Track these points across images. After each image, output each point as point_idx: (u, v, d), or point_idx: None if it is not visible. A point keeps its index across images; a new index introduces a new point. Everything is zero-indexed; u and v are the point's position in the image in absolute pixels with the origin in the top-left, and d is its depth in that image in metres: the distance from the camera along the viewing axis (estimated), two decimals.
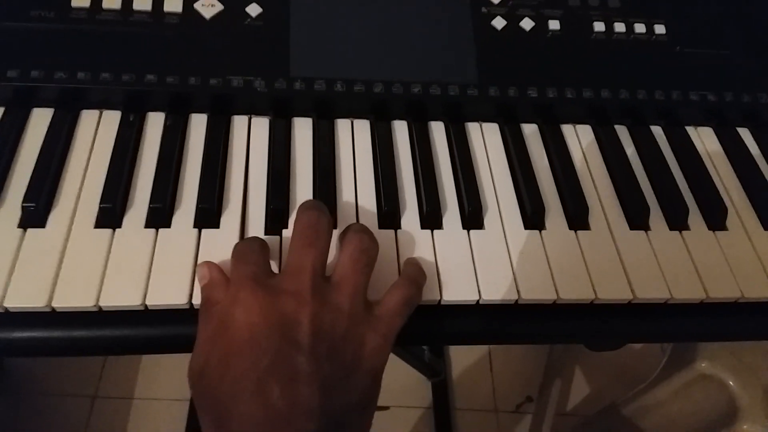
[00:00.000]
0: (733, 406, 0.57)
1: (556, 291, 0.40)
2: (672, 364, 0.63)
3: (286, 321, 0.30)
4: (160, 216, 0.39)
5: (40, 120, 0.43)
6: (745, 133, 0.51)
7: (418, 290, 0.37)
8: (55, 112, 0.43)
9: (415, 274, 0.37)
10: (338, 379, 0.30)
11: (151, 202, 0.39)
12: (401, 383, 1.09)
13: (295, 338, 0.30)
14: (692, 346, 0.60)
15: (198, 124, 0.44)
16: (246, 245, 0.35)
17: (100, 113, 0.44)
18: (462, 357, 1.15)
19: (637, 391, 0.69)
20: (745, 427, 0.56)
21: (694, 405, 0.61)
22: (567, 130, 0.49)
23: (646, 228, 0.44)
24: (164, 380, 1.06)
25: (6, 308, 0.35)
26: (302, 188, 0.42)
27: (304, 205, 0.36)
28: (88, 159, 0.41)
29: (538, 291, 0.40)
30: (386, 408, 1.08)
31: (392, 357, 1.02)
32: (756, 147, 0.51)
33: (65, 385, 1.05)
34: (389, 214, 0.41)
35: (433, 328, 0.39)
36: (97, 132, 0.43)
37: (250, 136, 0.45)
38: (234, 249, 0.35)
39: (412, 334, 0.37)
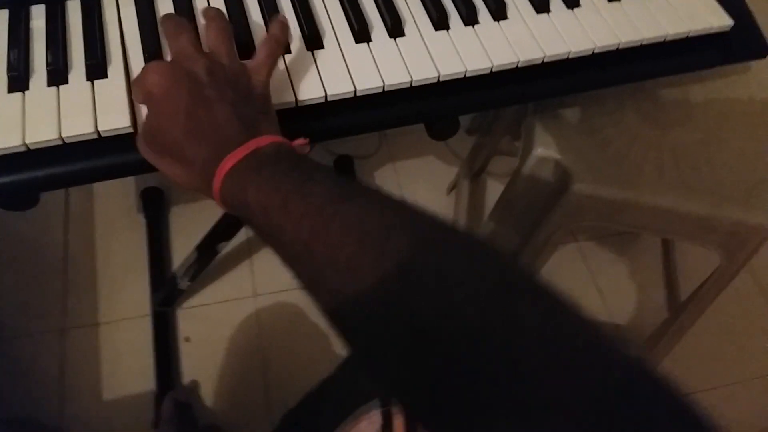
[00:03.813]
0: (567, 175, 0.73)
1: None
2: (521, 161, 0.79)
3: (188, 72, 0.43)
4: (57, 76, 0.49)
5: None
6: None
7: (280, 46, 0.49)
8: None
9: (279, 33, 0.49)
10: (240, 98, 0.43)
11: (48, 65, 0.49)
12: None
13: (199, 80, 0.43)
14: (529, 140, 0.75)
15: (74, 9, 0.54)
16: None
17: None
18: None
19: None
20: (575, 186, 0.72)
21: (539, 183, 0.77)
22: None
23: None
24: (125, 300, 1.16)
25: None
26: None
27: (163, 18, 0.49)
28: None
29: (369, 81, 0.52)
30: None
31: None
32: None
33: (31, 324, 1.14)
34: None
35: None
36: None
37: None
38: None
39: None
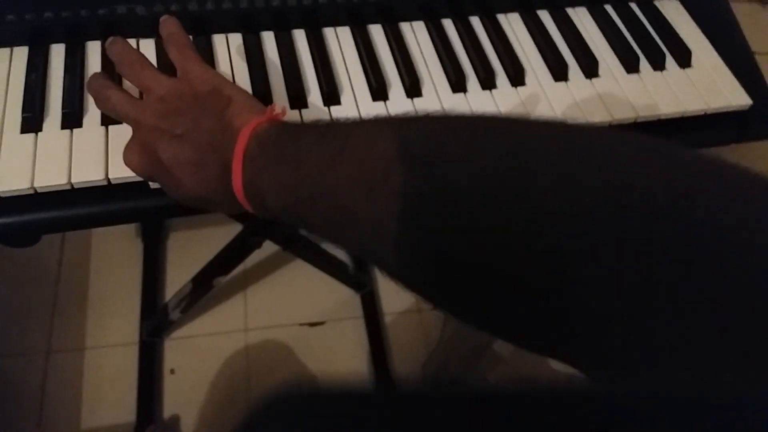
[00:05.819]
0: None
1: None
2: None
3: (145, 136, 0.42)
4: (72, 119, 0.48)
5: None
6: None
7: (182, 36, 0.47)
8: None
9: (172, 30, 0.47)
10: (199, 113, 0.41)
11: (63, 108, 0.48)
12: (333, 300, 1.21)
13: (159, 131, 0.41)
14: None
15: (93, 52, 0.54)
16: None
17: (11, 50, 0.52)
18: None
19: None
20: None
21: None
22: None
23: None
24: (111, 327, 1.14)
25: None
26: None
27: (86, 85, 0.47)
28: (7, 84, 0.50)
29: None
30: (322, 323, 1.20)
31: (321, 275, 1.14)
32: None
33: (16, 344, 1.11)
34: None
35: None
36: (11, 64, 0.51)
37: None
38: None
39: None
